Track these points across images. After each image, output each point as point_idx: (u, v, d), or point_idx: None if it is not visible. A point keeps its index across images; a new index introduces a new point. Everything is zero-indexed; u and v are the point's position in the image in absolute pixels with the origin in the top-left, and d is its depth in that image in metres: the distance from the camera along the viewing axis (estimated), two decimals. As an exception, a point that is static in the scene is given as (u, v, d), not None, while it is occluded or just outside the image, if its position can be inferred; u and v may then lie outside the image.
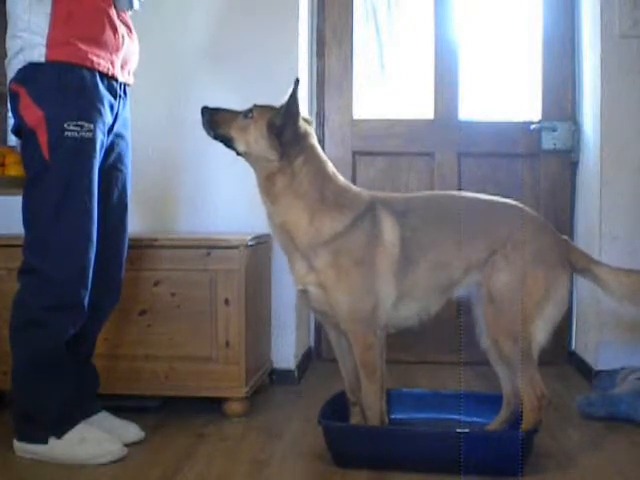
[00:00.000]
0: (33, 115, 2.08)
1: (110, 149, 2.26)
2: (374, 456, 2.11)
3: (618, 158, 3.06)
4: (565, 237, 2.29)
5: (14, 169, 2.57)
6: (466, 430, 2.15)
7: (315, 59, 3.55)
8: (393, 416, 2.36)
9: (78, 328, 2.17)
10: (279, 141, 2.12)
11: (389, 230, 2.17)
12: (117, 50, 2.19)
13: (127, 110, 2.34)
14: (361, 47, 3.64)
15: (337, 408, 2.30)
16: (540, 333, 2.14)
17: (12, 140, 2.74)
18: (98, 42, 2.13)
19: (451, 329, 2.90)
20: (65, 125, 2.08)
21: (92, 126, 2.11)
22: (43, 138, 2.08)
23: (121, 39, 2.20)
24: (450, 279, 2.21)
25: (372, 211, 2.18)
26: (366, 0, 3.66)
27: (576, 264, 2.22)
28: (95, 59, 2.12)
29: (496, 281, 2.15)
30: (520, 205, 2.29)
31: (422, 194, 2.47)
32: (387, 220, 2.17)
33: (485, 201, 2.30)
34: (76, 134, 2.09)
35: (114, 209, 2.30)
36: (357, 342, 2.16)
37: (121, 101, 2.27)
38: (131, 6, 2.24)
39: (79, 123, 2.09)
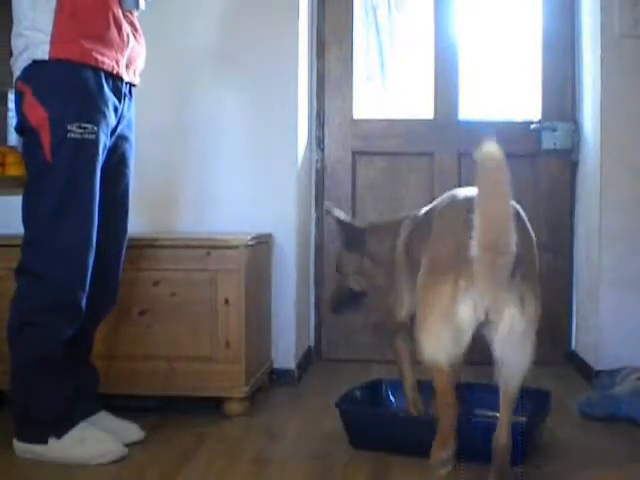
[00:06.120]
0: (37, 115, 2.07)
1: (113, 151, 2.25)
2: (385, 441, 2.22)
3: (618, 158, 3.06)
4: None
5: (14, 169, 2.57)
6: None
7: (315, 59, 3.54)
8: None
9: (76, 329, 2.17)
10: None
11: None
12: (122, 49, 2.17)
13: (132, 111, 2.32)
14: (361, 47, 3.64)
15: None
16: None
17: (12, 140, 2.74)
18: (103, 40, 2.12)
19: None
20: (68, 126, 2.07)
21: (95, 128, 2.10)
22: (46, 139, 2.07)
23: (126, 38, 2.18)
24: None
25: None
26: (366, 0, 3.66)
27: None
28: (99, 57, 2.11)
29: None
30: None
31: None
32: None
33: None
34: (79, 135, 2.08)
35: (115, 210, 2.29)
36: None
37: (126, 101, 2.26)
38: (137, 6, 2.23)
39: (82, 125, 2.08)
